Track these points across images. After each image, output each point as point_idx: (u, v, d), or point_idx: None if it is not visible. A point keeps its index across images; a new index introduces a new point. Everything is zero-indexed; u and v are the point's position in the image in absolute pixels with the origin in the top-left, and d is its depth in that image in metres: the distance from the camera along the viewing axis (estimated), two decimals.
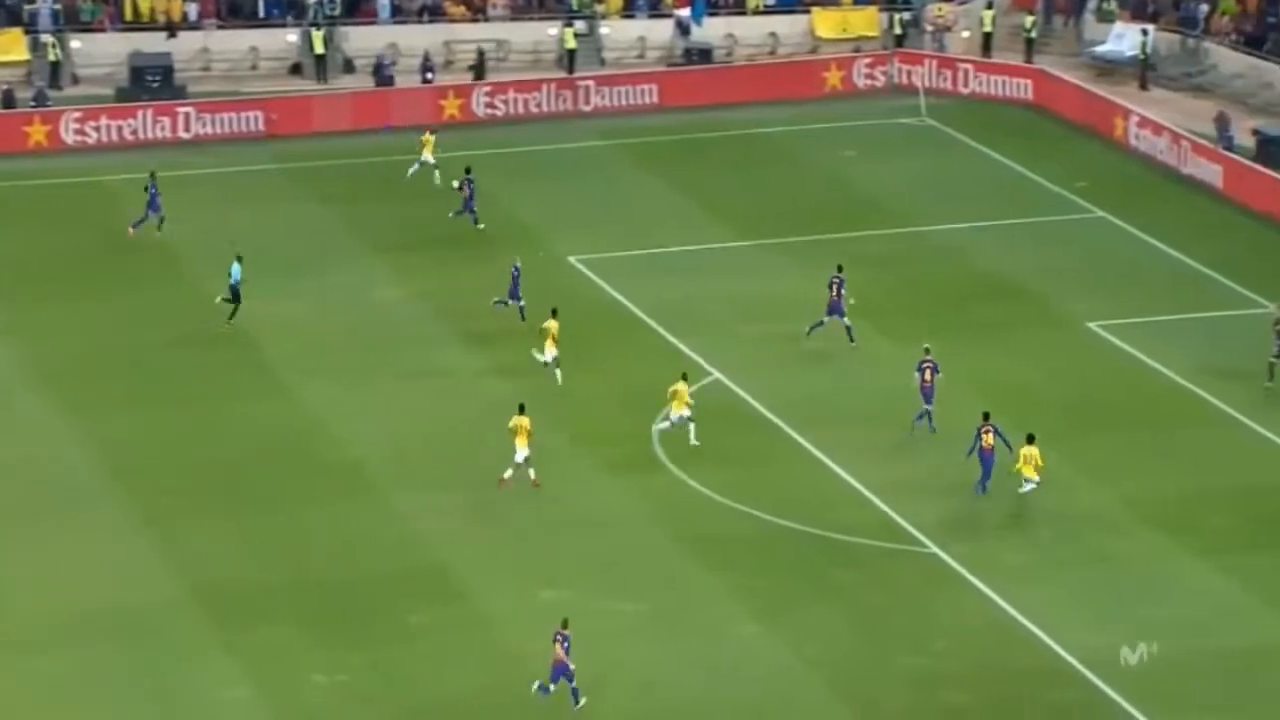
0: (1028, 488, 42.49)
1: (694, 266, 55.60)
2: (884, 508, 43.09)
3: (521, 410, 43.77)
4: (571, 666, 36.13)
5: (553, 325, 47.82)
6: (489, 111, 67.84)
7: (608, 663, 37.71)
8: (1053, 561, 41.17)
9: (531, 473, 43.53)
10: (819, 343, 50.48)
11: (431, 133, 62.13)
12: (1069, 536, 41.97)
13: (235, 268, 51.55)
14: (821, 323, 49.73)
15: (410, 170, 60.84)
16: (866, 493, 43.71)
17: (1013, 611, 39.22)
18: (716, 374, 49.25)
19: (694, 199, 60.91)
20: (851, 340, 49.25)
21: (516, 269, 51.88)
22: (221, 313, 51.29)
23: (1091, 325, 52.03)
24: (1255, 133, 63.44)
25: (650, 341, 51.48)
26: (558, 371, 48.06)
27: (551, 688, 36.26)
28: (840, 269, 50.29)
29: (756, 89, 69.80)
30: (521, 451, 43.41)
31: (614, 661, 37.81)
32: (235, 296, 51.45)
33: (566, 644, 36.25)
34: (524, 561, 41.33)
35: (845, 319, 49.50)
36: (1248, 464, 44.61)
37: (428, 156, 61.07)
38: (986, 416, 43.33)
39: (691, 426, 45.07)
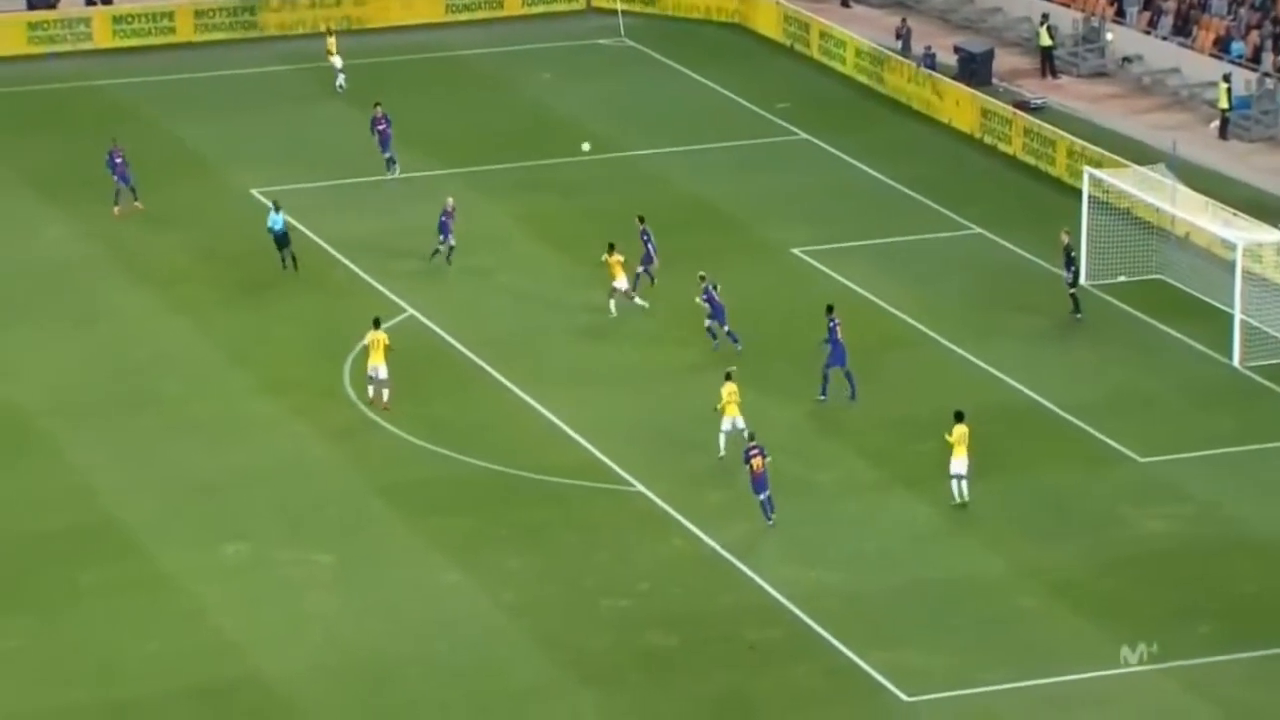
0: (957, 469, 39.32)
1: (387, 198, 53.52)
2: (588, 446, 41.82)
3: (376, 325, 42.79)
4: (768, 489, 38.04)
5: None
6: (151, 39, 64.82)
7: (298, 616, 36.33)
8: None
9: (385, 394, 42.48)
10: (507, 277, 48.73)
11: (331, 33, 59.88)
12: (773, 470, 40.87)
13: (274, 216, 49.19)
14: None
15: (337, 83, 59.72)
16: (570, 431, 42.42)
17: (718, 549, 38.21)
18: (412, 311, 47.53)
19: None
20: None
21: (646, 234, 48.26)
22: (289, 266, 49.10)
23: (796, 251, 51.07)
24: (956, 50, 62.96)
25: (341, 278, 49.52)
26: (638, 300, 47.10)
27: (761, 496, 38.08)
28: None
29: (449, 10, 67.75)
30: (380, 368, 42.50)
31: (305, 614, 36.39)
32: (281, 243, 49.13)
33: (764, 455, 38.01)
34: (207, 513, 39.63)
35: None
36: (954, 389, 43.84)
37: (336, 60, 59.28)
38: (830, 309, 43.25)
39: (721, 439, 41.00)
